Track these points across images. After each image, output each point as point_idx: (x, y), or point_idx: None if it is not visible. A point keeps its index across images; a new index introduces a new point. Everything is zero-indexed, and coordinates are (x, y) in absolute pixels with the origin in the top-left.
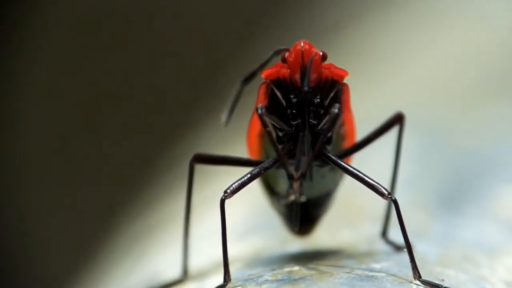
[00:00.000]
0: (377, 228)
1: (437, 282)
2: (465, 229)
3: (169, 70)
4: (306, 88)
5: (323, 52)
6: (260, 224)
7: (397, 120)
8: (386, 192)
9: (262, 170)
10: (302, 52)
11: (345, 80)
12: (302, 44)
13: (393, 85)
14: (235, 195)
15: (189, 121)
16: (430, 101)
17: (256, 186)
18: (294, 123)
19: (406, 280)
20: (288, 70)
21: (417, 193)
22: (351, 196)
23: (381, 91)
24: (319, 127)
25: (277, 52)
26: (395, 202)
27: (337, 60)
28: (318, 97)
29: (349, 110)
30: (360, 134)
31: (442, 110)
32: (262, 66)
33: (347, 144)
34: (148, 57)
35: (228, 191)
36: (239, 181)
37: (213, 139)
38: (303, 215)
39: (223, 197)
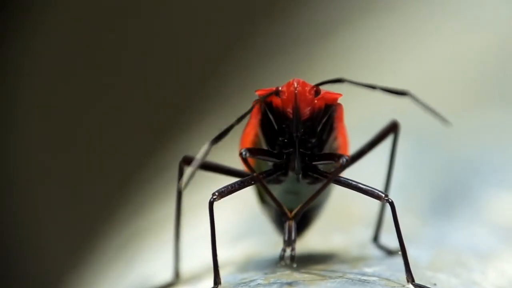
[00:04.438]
0: (369, 232)
1: (429, 286)
2: (456, 233)
3: (160, 73)
4: (298, 134)
5: (316, 88)
6: (252, 228)
7: (392, 128)
8: (383, 195)
9: (252, 181)
10: (296, 94)
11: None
12: (295, 84)
13: None
14: (228, 199)
15: (180, 125)
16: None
17: (248, 190)
18: (285, 151)
19: (398, 284)
20: (281, 102)
21: (409, 197)
22: (343, 201)
23: (373, 96)
24: (315, 162)
25: (253, 106)
26: (392, 204)
27: (328, 64)
28: (309, 129)
29: (342, 124)
30: (353, 139)
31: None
32: (231, 126)
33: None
34: (139, 59)
35: (217, 193)
36: (229, 186)
37: (202, 145)
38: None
39: (212, 199)
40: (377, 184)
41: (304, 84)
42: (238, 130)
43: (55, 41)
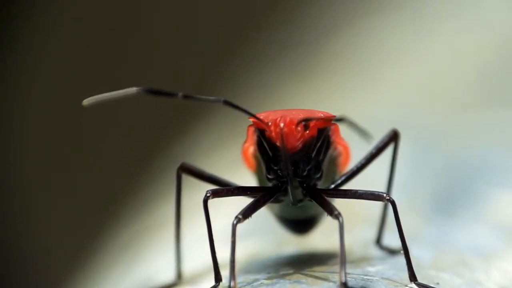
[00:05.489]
0: (372, 232)
1: (432, 285)
2: (459, 233)
3: (160, 74)
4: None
5: (305, 122)
6: (255, 227)
7: (393, 138)
8: (384, 195)
9: (249, 191)
10: (282, 136)
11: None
12: (281, 126)
13: (388, 90)
14: (231, 198)
15: (180, 126)
16: (424, 106)
17: None
18: (281, 180)
19: (401, 283)
20: (271, 135)
21: (412, 197)
22: (346, 200)
23: (375, 96)
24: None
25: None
26: (393, 204)
27: (329, 65)
28: (303, 157)
29: (339, 135)
30: (353, 139)
31: (436, 114)
32: (174, 94)
33: (341, 164)
34: (139, 60)
35: (211, 191)
36: (225, 189)
37: (202, 145)
38: (299, 227)
39: (205, 198)
40: (379, 188)
41: (290, 123)
42: (233, 129)
43: (55, 41)
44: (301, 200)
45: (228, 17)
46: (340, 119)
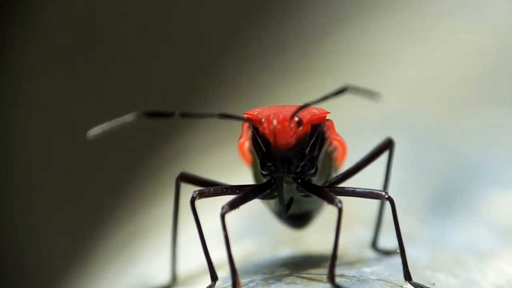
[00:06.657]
0: (367, 232)
1: (428, 286)
2: (455, 233)
3: (158, 74)
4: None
5: (299, 119)
6: (250, 228)
7: (387, 146)
8: (383, 193)
9: (237, 190)
10: (275, 133)
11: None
12: (274, 123)
13: (385, 90)
14: (228, 198)
15: (177, 125)
16: (422, 105)
17: None
18: (274, 175)
19: (397, 284)
20: (265, 132)
21: (408, 197)
22: (342, 200)
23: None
24: (305, 192)
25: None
26: (392, 202)
27: (325, 64)
28: (297, 153)
29: (334, 131)
30: (352, 140)
31: (434, 114)
32: (172, 114)
33: (338, 158)
34: (139, 60)
35: (197, 191)
36: (212, 189)
37: (199, 144)
38: (295, 221)
39: (192, 198)
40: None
41: (284, 120)
42: (230, 128)
43: (55, 41)
44: (289, 205)
45: (223, 16)
46: (343, 90)
